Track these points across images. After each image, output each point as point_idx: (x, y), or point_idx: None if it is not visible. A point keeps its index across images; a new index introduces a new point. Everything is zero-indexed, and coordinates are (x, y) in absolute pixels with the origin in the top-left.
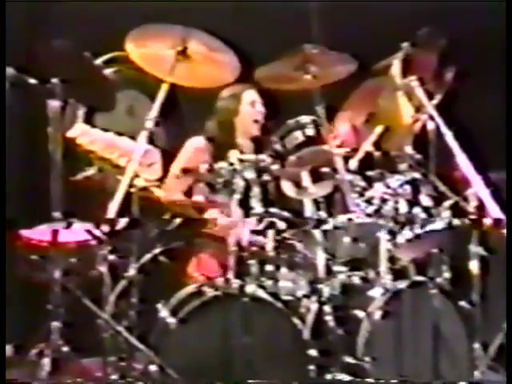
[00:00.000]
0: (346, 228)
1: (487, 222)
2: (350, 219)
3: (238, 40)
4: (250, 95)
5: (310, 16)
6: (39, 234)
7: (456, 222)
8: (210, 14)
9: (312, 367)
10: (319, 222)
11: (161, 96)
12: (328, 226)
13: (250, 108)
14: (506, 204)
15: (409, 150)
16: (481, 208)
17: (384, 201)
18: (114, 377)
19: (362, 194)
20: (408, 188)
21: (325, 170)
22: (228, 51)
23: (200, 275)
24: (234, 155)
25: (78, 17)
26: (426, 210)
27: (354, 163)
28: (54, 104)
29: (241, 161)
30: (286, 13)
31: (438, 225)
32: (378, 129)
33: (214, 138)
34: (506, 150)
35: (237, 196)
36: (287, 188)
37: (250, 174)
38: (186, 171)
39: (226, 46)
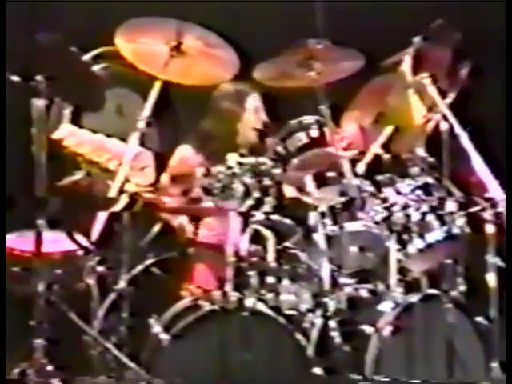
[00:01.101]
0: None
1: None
2: None
3: (236, 34)
4: (254, 101)
5: (314, 9)
6: (21, 243)
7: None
8: (206, 7)
9: None
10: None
11: (153, 94)
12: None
13: (253, 115)
14: (507, 203)
15: (421, 152)
16: (498, 215)
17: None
18: None
19: None
20: (420, 193)
21: (330, 174)
22: (226, 46)
23: (195, 288)
24: (232, 158)
25: (65, 9)
26: (439, 217)
27: (361, 167)
28: (39, 103)
29: (240, 164)
30: (288, 5)
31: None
32: (388, 130)
33: (211, 140)
34: (506, 150)
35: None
36: (290, 193)
37: (250, 179)
38: (178, 178)
39: (223, 40)
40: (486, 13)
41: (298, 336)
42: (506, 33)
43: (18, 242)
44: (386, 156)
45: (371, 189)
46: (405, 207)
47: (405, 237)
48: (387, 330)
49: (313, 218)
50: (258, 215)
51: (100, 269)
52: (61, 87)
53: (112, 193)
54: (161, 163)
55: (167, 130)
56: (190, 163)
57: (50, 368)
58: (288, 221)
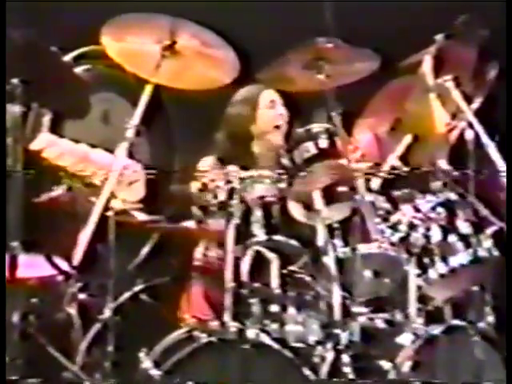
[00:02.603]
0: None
1: None
2: None
3: (236, 33)
4: (269, 95)
5: (323, 4)
6: None
7: None
8: (203, 2)
9: None
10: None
11: (143, 100)
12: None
13: (269, 111)
14: (507, 206)
15: (443, 164)
16: None
17: (413, 227)
18: None
19: (386, 219)
20: (442, 211)
21: (341, 189)
22: (225, 46)
23: (190, 317)
24: (232, 172)
25: (43, 2)
26: (463, 238)
27: (376, 181)
28: (14, 109)
29: (240, 178)
30: (293, 1)
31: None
32: (406, 139)
33: (226, 154)
34: (506, 149)
35: (235, 221)
36: (295, 211)
37: (251, 194)
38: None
39: (222, 39)
40: None
41: (306, 371)
42: (506, 33)
43: None
44: (405, 169)
45: (387, 206)
46: (425, 227)
47: (425, 260)
48: (407, 366)
49: (322, 238)
50: (260, 235)
51: (82, 296)
52: (39, 92)
53: (96, 210)
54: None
55: (159, 140)
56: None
57: None
58: (294, 242)
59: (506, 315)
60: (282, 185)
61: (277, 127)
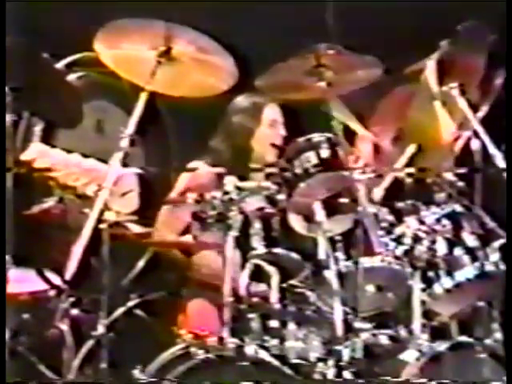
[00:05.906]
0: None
1: None
2: None
3: (234, 38)
4: (272, 113)
5: (325, 9)
6: None
7: None
8: (199, 7)
9: None
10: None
11: (138, 108)
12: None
13: (269, 129)
14: (507, 207)
15: (448, 175)
16: None
17: (417, 240)
18: None
19: (389, 231)
20: (447, 224)
21: (343, 200)
22: (222, 52)
23: (187, 333)
24: (230, 182)
25: (35, 7)
26: (470, 251)
27: (379, 192)
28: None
29: (238, 189)
30: (294, 5)
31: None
32: (410, 149)
33: (221, 162)
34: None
35: (233, 233)
36: (296, 223)
37: (250, 206)
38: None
39: (219, 45)
40: None
41: None
42: (506, 33)
43: None
44: (408, 180)
45: (390, 218)
46: (430, 239)
47: (430, 274)
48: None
49: (323, 251)
50: (260, 248)
51: (75, 312)
52: (30, 100)
53: (89, 223)
54: (146, 188)
55: (154, 150)
56: (204, 180)
57: None
58: (294, 255)
59: (506, 316)
60: (282, 196)
61: (273, 146)
